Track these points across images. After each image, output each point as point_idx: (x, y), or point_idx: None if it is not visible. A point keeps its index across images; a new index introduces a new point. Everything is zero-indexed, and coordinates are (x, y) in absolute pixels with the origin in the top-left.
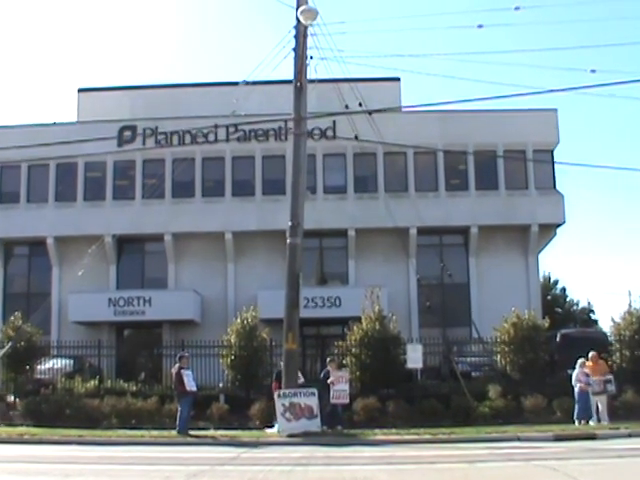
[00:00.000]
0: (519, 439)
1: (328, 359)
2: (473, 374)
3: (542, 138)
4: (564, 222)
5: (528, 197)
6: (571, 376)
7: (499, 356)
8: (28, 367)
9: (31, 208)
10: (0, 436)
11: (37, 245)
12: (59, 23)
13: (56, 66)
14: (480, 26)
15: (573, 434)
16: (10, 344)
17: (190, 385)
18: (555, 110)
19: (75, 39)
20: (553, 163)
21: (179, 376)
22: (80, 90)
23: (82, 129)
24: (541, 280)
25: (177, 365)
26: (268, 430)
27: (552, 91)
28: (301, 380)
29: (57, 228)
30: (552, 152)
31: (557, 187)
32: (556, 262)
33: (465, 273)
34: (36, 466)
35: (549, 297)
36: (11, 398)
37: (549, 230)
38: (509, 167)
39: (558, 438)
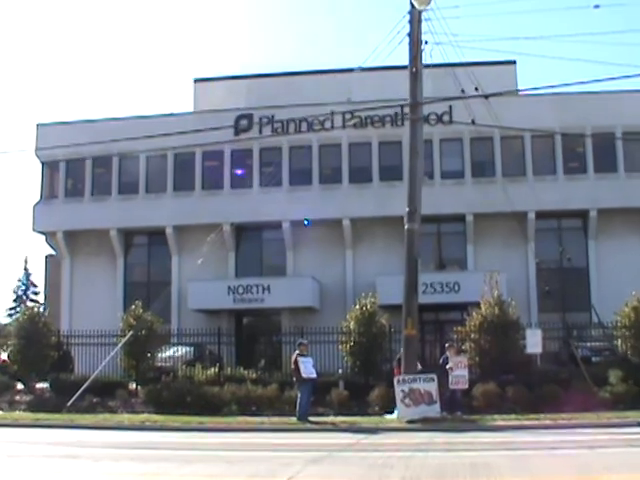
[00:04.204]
0: None
1: (447, 344)
2: (593, 359)
3: None
4: None
5: None
6: None
7: (620, 341)
8: (149, 355)
9: (150, 198)
10: (122, 423)
11: (156, 234)
12: (174, 15)
13: (172, 57)
14: (597, 6)
15: None
16: (131, 333)
17: (308, 372)
18: None
19: (190, 30)
20: None
21: (296, 363)
22: (196, 80)
23: (199, 119)
24: None
25: (296, 352)
26: (387, 416)
27: None
28: (418, 368)
29: (176, 217)
30: None
31: None
32: None
33: (584, 257)
34: (157, 452)
35: None
36: (133, 386)
37: None
38: (628, 148)
39: None
